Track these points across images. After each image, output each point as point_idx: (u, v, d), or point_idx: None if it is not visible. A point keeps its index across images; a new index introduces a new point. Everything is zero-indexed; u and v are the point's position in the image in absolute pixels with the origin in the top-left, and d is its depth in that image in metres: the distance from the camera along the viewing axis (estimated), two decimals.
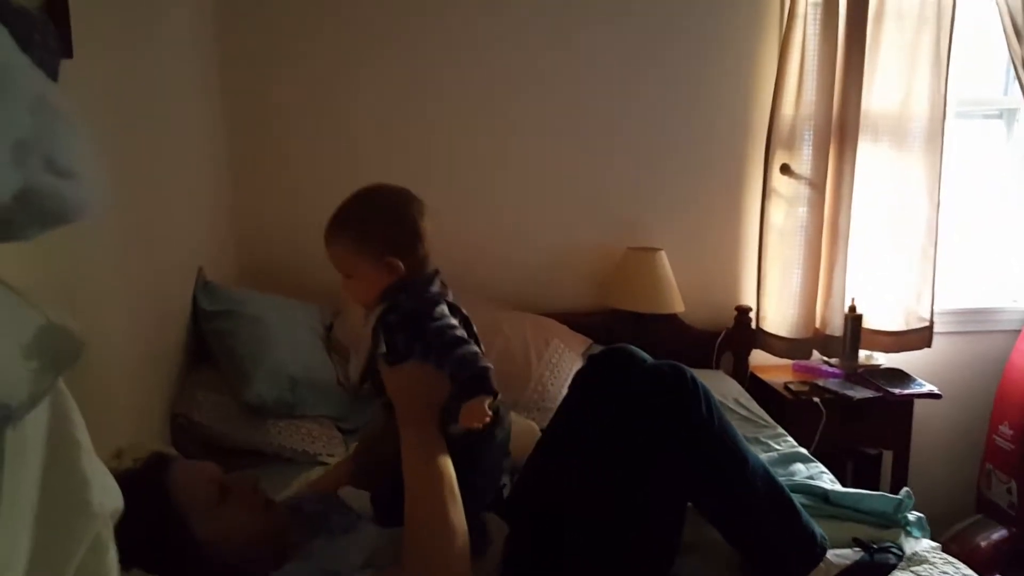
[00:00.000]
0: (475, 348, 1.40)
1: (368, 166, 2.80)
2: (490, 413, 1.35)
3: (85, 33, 1.46)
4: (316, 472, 1.94)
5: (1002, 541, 2.96)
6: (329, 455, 2.10)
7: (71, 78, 1.46)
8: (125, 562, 1.18)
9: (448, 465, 1.34)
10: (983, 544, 2.94)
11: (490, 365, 1.37)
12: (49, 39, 0.79)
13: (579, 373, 1.67)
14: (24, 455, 0.68)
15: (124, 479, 1.29)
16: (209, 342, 2.25)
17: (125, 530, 1.20)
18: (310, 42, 2.73)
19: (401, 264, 1.40)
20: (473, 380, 1.35)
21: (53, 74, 0.76)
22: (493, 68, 2.83)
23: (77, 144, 0.70)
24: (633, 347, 1.66)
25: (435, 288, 1.44)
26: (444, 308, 1.43)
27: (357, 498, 1.56)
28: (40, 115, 0.68)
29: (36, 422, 0.70)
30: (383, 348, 1.40)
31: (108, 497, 0.73)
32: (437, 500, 1.30)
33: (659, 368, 1.57)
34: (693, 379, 1.54)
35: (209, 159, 2.58)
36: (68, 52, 1.39)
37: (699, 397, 1.52)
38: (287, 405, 2.18)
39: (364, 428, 1.77)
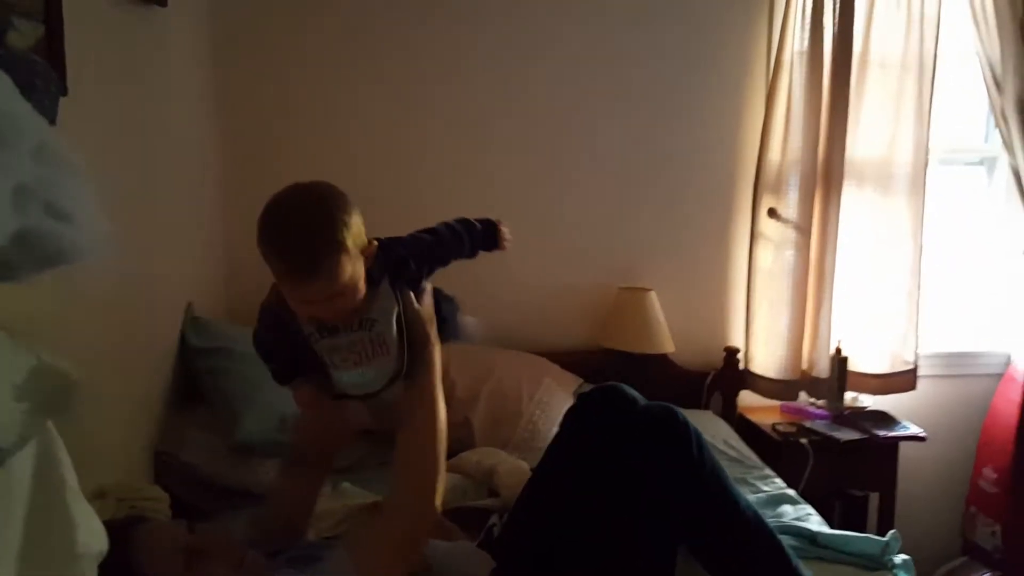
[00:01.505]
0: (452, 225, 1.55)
1: (361, 200, 2.82)
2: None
3: (79, 71, 1.48)
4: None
5: None
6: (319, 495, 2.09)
7: (65, 115, 1.49)
8: None
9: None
10: None
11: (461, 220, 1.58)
12: (50, 84, 0.81)
13: (570, 411, 1.68)
14: (9, 496, 0.68)
15: None
16: (198, 380, 2.24)
17: None
18: (305, 79, 2.77)
19: (373, 240, 1.37)
20: (484, 231, 1.60)
21: (52, 118, 0.78)
22: (486, 106, 2.88)
23: (77, 188, 0.72)
24: (625, 386, 1.68)
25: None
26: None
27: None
28: (41, 161, 0.69)
29: (22, 462, 0.71)
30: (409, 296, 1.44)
31: (94, 539, 0.74)
32: (439, 430, 1.44)
33: (651, 409, 1.58)
34: (685, 421, 1.55)
35: (199, 192, 2.59)
36: (62, 89, 1.41)
37: (690, 439, 1.53)
38: (276, 444, 2.16)
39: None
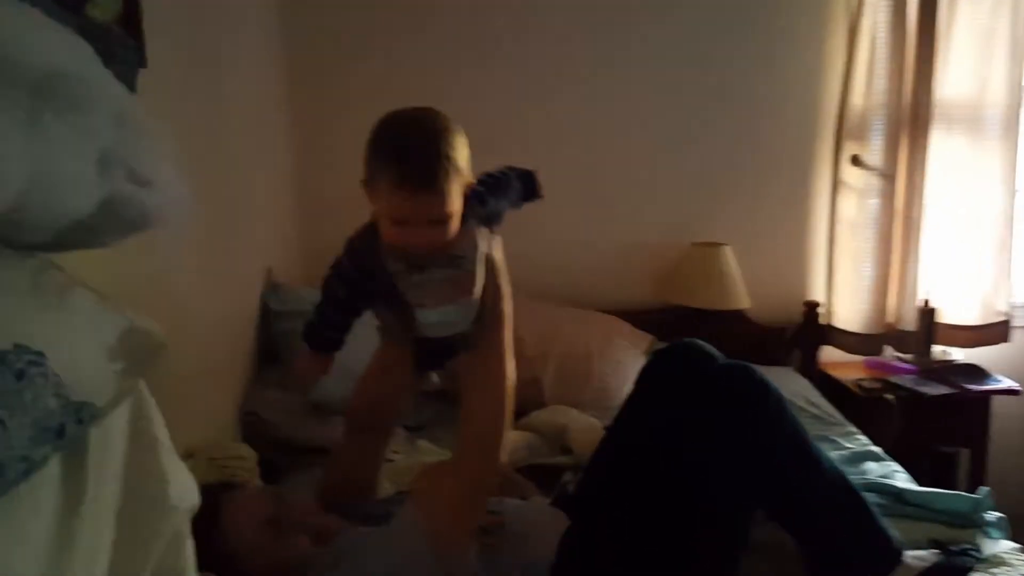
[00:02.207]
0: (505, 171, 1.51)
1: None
2: None
3: (158, 43, 1.50)
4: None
5: None
6: (395, 452, 2.12)
7: (145, 87, 1.51)
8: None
9: None
10: None
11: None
12: (130, 53, 0.82)
13: (645, 368, 1.65)
14: (106, 452, 0.70)
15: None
16: (277, 342, 2.29)
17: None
18: (378, 47, 2.76)
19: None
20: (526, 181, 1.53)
21: (132, 86, 0.79)
22: (556, 62, 2.82)
23: (156, 154, 0.73)
24: (701, 342, 1.64)
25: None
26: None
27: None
28: (122, 127, 0.70)
29: (118, 420, 0.73)
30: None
31: (186, 493, 0.76)
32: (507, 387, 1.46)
33: (727, 367, 1.54)
34: (762, 379, 1.51)
35: (276, 161, 2.63)
36: (142, 61, 1.43)
37: (768, 398, 1.49)
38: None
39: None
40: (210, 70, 1.99)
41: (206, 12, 1.96)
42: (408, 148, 1.26)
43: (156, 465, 0.73)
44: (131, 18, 1.38)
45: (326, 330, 1.52)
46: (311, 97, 2.77)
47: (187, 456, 1.63)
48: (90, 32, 0.77)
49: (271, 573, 1.34)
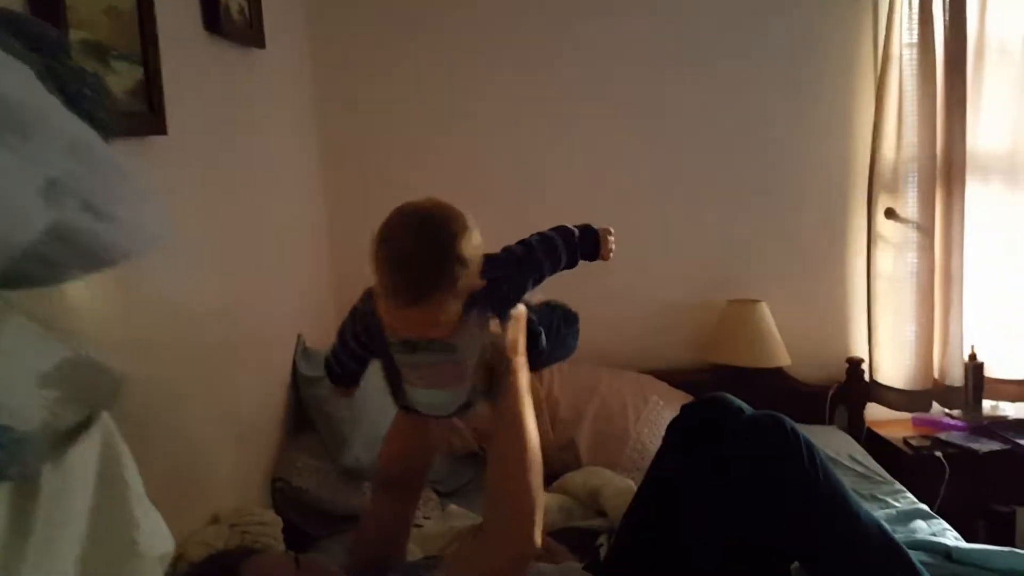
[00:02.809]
0: (547, 236, 1.48)
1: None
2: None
3: (178, 111, 1.54)
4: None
5: None
6: (425, 517, 2.09)
7: (166, 154, 1.55)
8: None
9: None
10: None
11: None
12: (99, 94, 0.82)
13: (672, 423, 1.62)
14: (66, 494, 0.69)
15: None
16: (308, 407, 2.29)
17: None
18: (404, 112, 2.81)
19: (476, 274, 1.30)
20: (583, 239, 1.51)
21: (107, 128, 0.79)
22: (589, 117, 2.85)
23: (119, 189, 0.72)
24: (729, 395, 1.61)
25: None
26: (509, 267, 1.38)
27: None
28: (75, 158, 0.69)
29: (82, 463, 0.71)
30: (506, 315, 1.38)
31: (157, 540, 0.74)
32: (529, 456, 1.36)
33: (757, 418, 1.51)
34: (793, 429, 1.47)
35: (305, 227, 2.66)
36: (162, 129, 1.47)
37: (800, 447, 1.44)
38: None
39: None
40: (235, 136, 2.03)
41: (232, 78, 2.01)
42: (404, 260, 1.20)
43: (125, 511, 0.72)
44: (151, 85, 1.43)
45: (342, 369, 1.52)
46: (343, 161, 2.82)
47: (212, 522, 1.63)
48: (56, 70, 0.77)
49: None
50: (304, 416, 2.32)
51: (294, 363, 2.36)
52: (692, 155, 2.88)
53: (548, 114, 2.84)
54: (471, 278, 1.26)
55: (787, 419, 1.48)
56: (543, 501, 1.34)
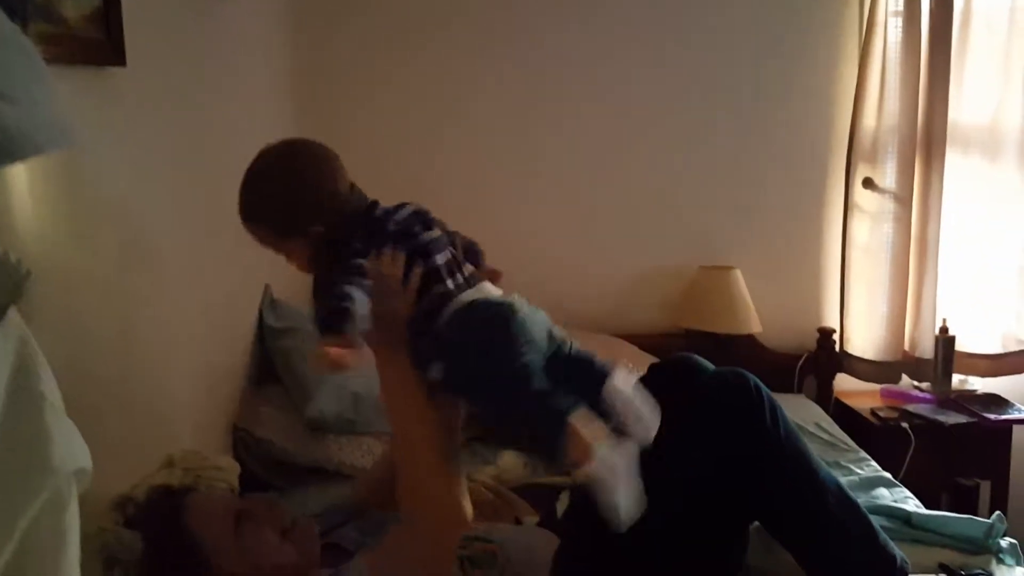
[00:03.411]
0: (342, 288, 1.22)
1: (443, 182, 2.81)
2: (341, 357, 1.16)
3: (140, 41, 1.48)
4: None
5: None
6: None
7: (124, 87, 1.50)
8: None
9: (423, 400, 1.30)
10: None
11: (347, 299, 1.20)
12: None
13: (640, 381, 1.59)
14: None
15: (141, 516, 1.31)
16: (273, 359, 2.26)
17: (151, 565, 1.22)
18: (392, 42, 2.76)
19: (321, 228, 1.31)
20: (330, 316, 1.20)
21: (12, 10, 0.73)
22: (565, 84, 2.81)
23: (25, 71, 0.68)
24: (697, 357, 1.59)
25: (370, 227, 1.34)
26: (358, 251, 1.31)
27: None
28: None
29: None
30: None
31: (72, 455, 0.71)
32: (414, 426, 1.29)
33: (721, 374, 1.49)
34: (757, 386, 1.45)
35: None
36: (121, 60, 1.41)
37: (763, 405, 1.43)
38: (348, 422, 2.16)
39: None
40: (206, 67, 1.97)
41: (203, 11, 1.94)
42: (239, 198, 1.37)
43: (38, 423, 0.69)
44: (110, 12, 1.37)
45: None
46: (318, 108, 2.75)
47: (166, 465, 1.59)
48: None
49: (250, 568, 1.29)
50: (269, 368, 2.29)
51: (260, 314, 2.32)
52: (671, 120, 2.85)
53: (524, 80, 2.81)
54: (301, 220, 1.30)
55: (752, 376, 1.47)
56: (457, 471, 1.30)
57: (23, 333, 0.71)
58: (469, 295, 1.34)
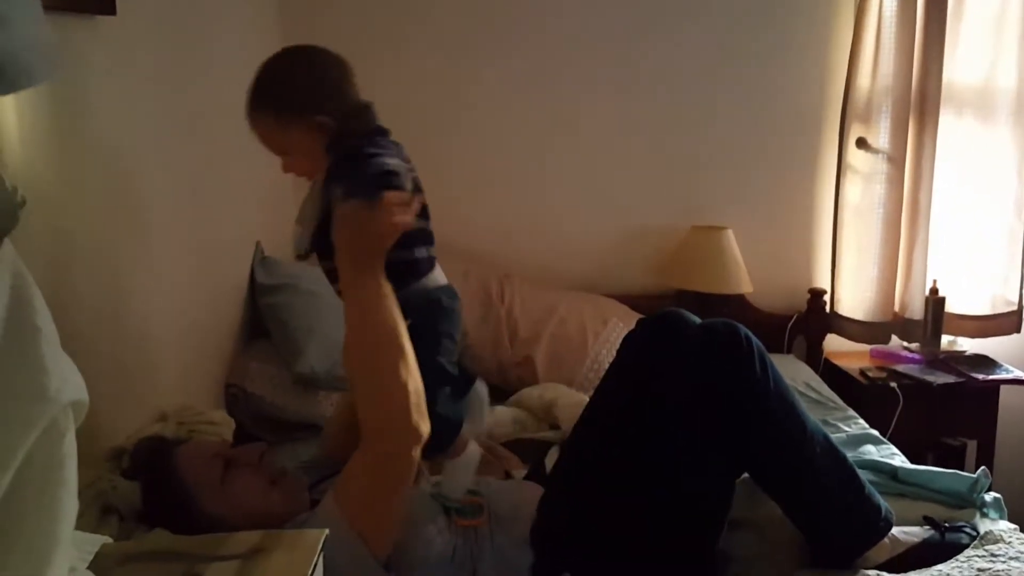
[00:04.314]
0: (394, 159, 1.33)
1: (429, 148, 2.77)
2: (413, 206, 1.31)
3: None
4: None
5: None
6: None
7: (114, 36, 1.48)
8: (151, 521, 1.25)
9: (396, 315, 1.29)
10: None
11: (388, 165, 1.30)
12: None
13: (628, 336, 1.59)
14: None
15: (136, 462, 1.36)
16: (264, 315, 2.26)
17: (145, 507, 1.26)
18: (377, 24, 2.72)
19: (330, 120, 1.33)
20: (378, 177, 1.28)
21: None
22: (558, 43, 2.78)
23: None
24: (686, 312, 1.60)
25: (376, 136, 1.38)
26: (383, 146, 1.35)
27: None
28: None
29: None
30: (337, 194, 1.30)
31: (68, 387, 0.71)
32: (384, 349, 1.27)
33: (712, 325, 1.49)
34: (748, 337, 1.45)
35: None
36: (111, 8, 1.40)
37: (753, 355, 1.43)
38: (339, 378, 2.16)
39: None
40: (199, 18, 1.95)
41: None
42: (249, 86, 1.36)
43: (34, 354, 0.69)
44: None
45: None
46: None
47: (159, 419, 1.60)
48: None
49: (235, 511, 1.31)
50: (259, 324, 2.29)
51: (252, 270, 2.31)
52: (665, 80, 2.82)
53: (518, 44, 2.78)
54: (311, 104, 1.31)
55: (742, 327, 1.47)
56: (414, 387, 1.26)
57: (17, 265, 0.71)
58: (433, 280, 1.45)
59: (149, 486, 1.31)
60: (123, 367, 1.57)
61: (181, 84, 1.85)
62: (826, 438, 1.49)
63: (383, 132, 1.40)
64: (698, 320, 1.57)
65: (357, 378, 1.30)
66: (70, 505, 0.74)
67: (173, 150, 1.81)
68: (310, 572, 0.92)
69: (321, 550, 0.97)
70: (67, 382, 0.70)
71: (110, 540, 0.98)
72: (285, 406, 2.10)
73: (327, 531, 1.01)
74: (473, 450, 1.46)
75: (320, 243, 1.36)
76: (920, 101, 2.75)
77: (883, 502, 1.50)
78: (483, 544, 1.40)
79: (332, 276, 1.38)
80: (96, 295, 1.47)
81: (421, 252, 1.44)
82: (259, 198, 2.46)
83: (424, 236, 1.44)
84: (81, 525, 0.98)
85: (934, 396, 2.65)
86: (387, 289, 1.30)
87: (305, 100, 1.33)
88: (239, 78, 2.13)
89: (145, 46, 1.65)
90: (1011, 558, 1.43)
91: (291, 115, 1.33)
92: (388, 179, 1.28)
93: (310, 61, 1.37)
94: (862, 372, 2.77)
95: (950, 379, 2.67)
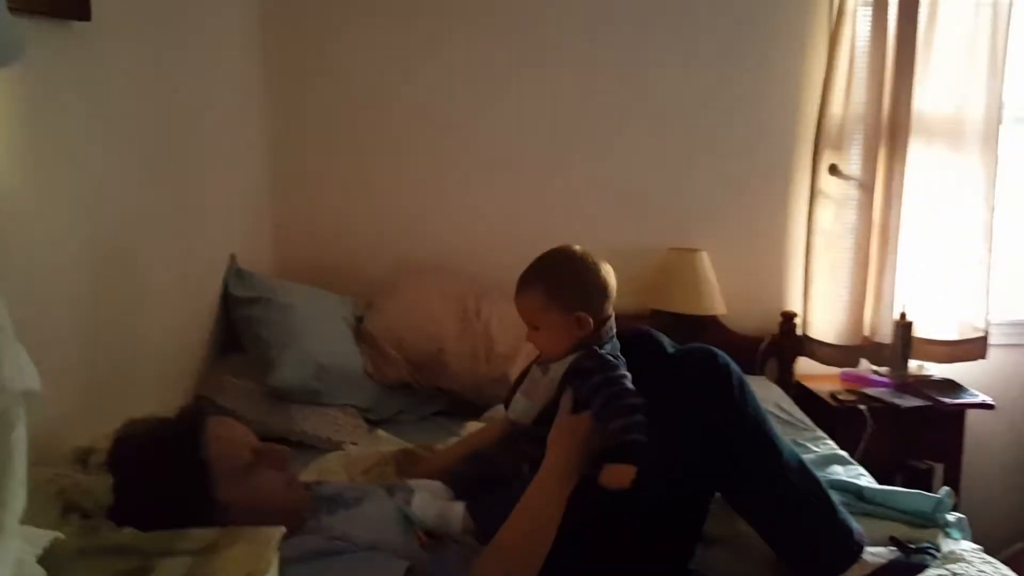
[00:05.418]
0: (642, 419, 1.42)
1: (407, 165, 2.81)
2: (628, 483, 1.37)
3: None
4: (335, 457, 1.91)
5: None
6: (353, 443, 2.07)
7: (89, 42, 1.48)
8: (120, 517, 1.17)
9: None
10: None
11: (645, 439, 1.40)
12: None
13: None
14: None
15: (159, 426, 1.31)
16: (238, 328, 2.25)
17: (148, 477, 1.21)
18: (355, 36, 2.74)
19: (591, 320, 1.49)
20: (630, 447, 1.39)
21: None
22: (535, 63, 2.81)
23: None
24: (655, 331, 1.62)
25: (617, 348, 1.53)
26: (624, 370, 1.48)
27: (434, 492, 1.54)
28: None
29: None
30: (569, 395, 1.47)
31: (21, 376, 0.71)
32: (542, 543, 1.35)
33: (692, 350, 1.52)
34: (726, 362, 1.48)
35: (246, 142, 2.59)
36: (85, 13, 1.40)
37: (731, 380, 1.46)
38: (312, 392, 2.17)
39: (479, 439, 1.80)
40: (174, 31, 1.95)
41: None
42: (530, 264, 1.58)
43: None
44: None
45: None
46: (288, 78, 2.74)
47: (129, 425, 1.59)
48: None
49: (244, 506, 1.28)
50: (232, 337, 2.28)
51: (225, 283, 2.31)
52: (641, 105, 2.86)
53: (491, 64, 2.81)
54: (570, 303, 1.50)
55: (722, 353, 1.50)
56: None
57: None
58: None
59: (156, 459, 1.25)
60: (94, 376, 1.56)
61: (158, 91, 1.86)
62: (801, 462, 1.51)
63: (614, 339, 1.56)
64: (666, 341, 1.60)
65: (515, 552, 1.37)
66: (17, 495, 0.73)
67: (148, 158, 1.81)
68: (265, 569, 0.92)
69: (277, 547, 0.97)
70: (18, 371, 0.70)
71: (62, 536, 0.97)
72: (257, 420, 2.07)
73: (283, 528, 1.02)
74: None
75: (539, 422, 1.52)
76: (891, 129, 2.81)
77: (855, 524, 1.52)
78: (446, 562, 1.39)
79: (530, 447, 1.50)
80: (69, 302, 1.47)
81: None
82: (234, 211, 2.46)
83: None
84: (41, 524, 0.97)
85: (902, 419, 2.68)
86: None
87: (577, 297, 1.51)
88: (217, 86, 2.15)
89: (121, 52, 1.65)
90: None
91: (561, 303, 1.50)
92: (631, 429, 1.40)
93: (592, 266, 1.56)
94: (832, 395, 2.81)
95: (918, 403, 2.71)
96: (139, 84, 1.75)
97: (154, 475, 1.24)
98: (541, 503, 1.39)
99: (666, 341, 1.63)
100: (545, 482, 1.40)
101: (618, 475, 1.36)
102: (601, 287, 1.54)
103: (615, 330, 1.56)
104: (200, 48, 2.16)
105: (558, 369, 1.51)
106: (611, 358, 1.49)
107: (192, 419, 1.35)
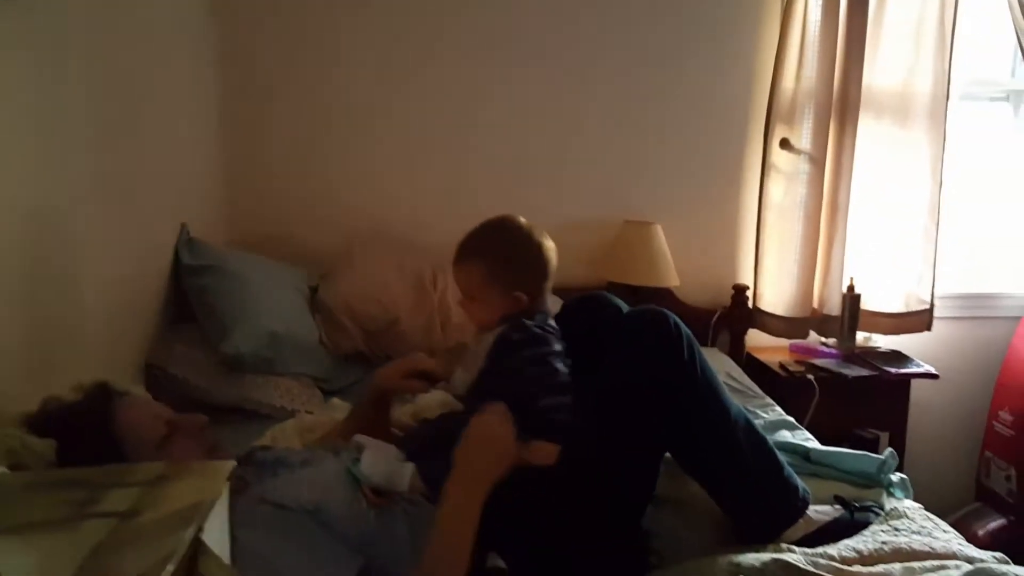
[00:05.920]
0: (567, 400, 1.47)
1: (362, 133, 2.78)
2: (553, 461, 1.41)
3: None
4: (291, 424, 1.90)
5: (1000, 530, 2.89)
6: (308, 412, 2.07)
7: (29, 16, 1.44)
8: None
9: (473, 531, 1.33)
10: (980, 533, 2.87)
11: (569, 419, 1.45)
12: None
13: (555, 317, 1.62)
14: None
15: (69, 409, 1.28)
16: (189, 296, 2.22)
17: (65, 460, 1.17)
18: (307, 1, 2.71)
19: (525, 298, 1.53)
20: (555, 426, 1.43)
21: None
22: (488, 38, 2.80)
23: None
24: (608, 294, 1.64)
25: (550, 324, 1.55)
26: (555, 347, 1.52)
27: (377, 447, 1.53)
28: None
29: None
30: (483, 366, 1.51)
31: None
32: (457, 559, 1.29)
33: (642, 311, 1.53)
34: (676, 323, 1.49)
35: (198, 116, 2.55)
36: None
37: (681, 341, 1.47)
38: (266, 361, 2.15)
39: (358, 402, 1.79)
40: (114, 8, 1.91)
41: None
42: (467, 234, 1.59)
43: None
44: None
45: None
46: (242, 46, 2.69)
47: (77, 390, 1.56)
48: None
49: None
50: (184, 306, 2.25)
51: (176, 252, 2.28)
52: (595, 79, 2.87)
53: (449, 37, 2.80)
54: (504, 279, 1.52)
55: (671, 314, 1.50)
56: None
57: None
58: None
59: (72, 434, 1.21)
60: (41, 340, 1.53)
61: (106, 56, 1.82)
62: (748, 422, 1.54)
63: (547, 316, 1.58)
64: (620, 303, 1.61)
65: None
66: None
67: (96, 125, 1.77)
68: (215, 496, 0.92)
69: (228, 478, 0.96)
70: None
71: (7, 471, 0.96)
72: (209, 389, 2.07)
73: (235, 463, 1.03)
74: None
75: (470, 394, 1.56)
76: (841, 104, 2.85)
77: (800, 483, 1.55)
78: (394, 520, 1.39)
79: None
80: (15, 267, 1.44)
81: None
82: (185, 180, 2.42)
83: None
84: None
85: (849, 389, 2.75)
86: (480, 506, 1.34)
87: (516, 275, 1.54)
88: (169, 52, 2.11)
89: (68, 16, 1.61)
90: (913, 532, 1.50)
91: (502, 280, 1.53)
92: (556, 410, 1.46)
93: (539, 247, 1.57)
94: (781, 365, 2.86)
95: (864, 372, 2.78)
96: (84, 48, 1.70)
97: (79, 441, 1.21)
98: (452, 517, 1.33)
99: (621, 303, 1.64)
100: (452, 497, 1.34)
101: (543, 453, 1.41)
102: (543, 268, 1.57)
103: (548, 304, 1.59)
104: (151, 10, 2.11)
105: (488, 339, 1.54)
106: (538, 330, 1.52)
107: (102, 401, 1.32)
